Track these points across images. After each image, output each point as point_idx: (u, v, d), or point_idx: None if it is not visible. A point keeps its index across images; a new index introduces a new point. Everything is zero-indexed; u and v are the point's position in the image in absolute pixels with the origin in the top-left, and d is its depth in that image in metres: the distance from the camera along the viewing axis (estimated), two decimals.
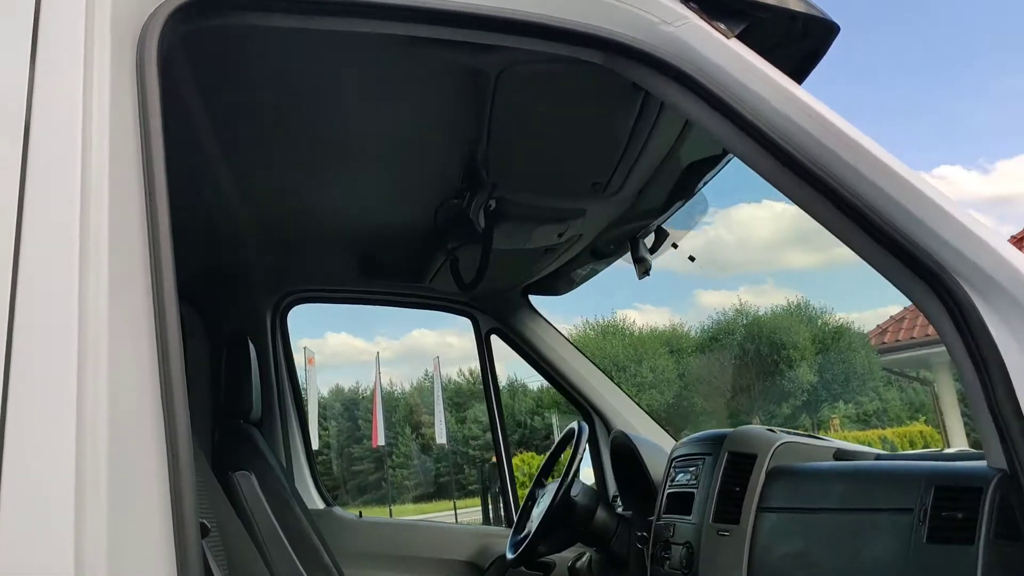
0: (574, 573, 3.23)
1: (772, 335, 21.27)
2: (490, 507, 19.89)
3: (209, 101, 2.13)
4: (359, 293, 3.76)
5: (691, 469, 2.60)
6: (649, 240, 2.85)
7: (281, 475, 2.88)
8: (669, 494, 2.70)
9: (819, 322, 23.00)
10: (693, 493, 2.52)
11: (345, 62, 2.03)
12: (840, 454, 2.28)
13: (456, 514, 28.90)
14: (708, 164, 2.48)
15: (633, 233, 2.88)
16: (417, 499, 42.75)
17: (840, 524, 1.89)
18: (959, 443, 18.65)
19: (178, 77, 1.96)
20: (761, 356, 21.18)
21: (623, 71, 1.61)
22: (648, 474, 3.01)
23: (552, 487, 3.19)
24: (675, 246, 2.87)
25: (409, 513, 33.92)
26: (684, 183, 2.56)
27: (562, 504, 2.97)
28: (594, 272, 3.53)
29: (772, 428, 2.42)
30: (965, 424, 20.56)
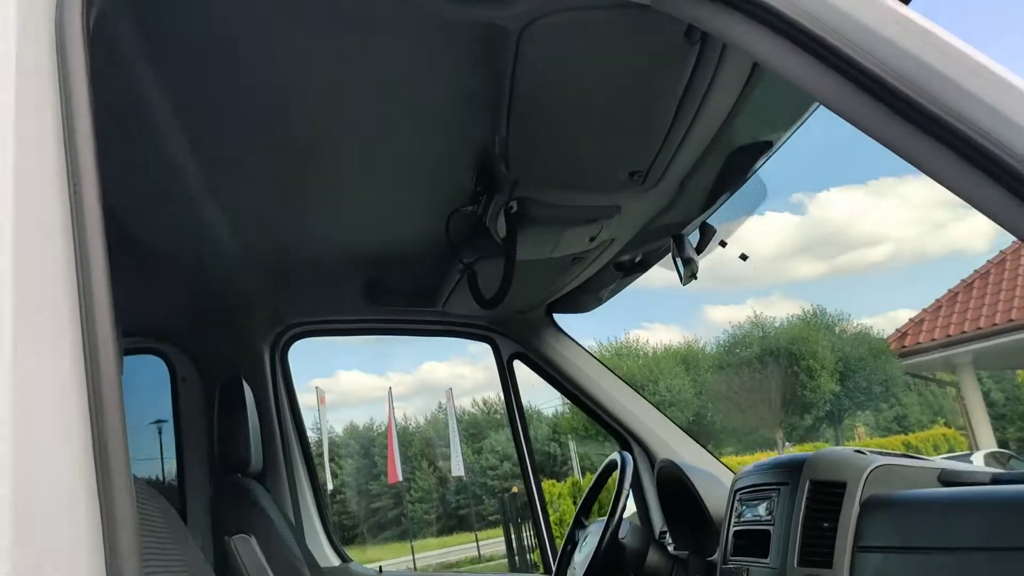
0: None
1: (790, 346, 20.80)
2: (513, 537, 19.48)
3: (170, 92, 1.80)
4: (366, 323, 3.39)
5: (763, 502, 2.22)
6: (694, 238, 2.49)
7: (288, 534, 2.52)
8: (736, 532, 2.33)
9: (836, 329, 22.53)
10: (768, 531, 2.15)
11: (332, 39, 1.69)
12: (946, 476, 1.91)
13: (478, 545, 28.45)
14: (761, 147, 2.14)
15: (672, 233, 2.52)
16: (438, 533, 42.29)
17: (980, 566, 1.52)
18: (988, 444, 18.20)
19: (126, 61, 1.63)
20: (780, 368, 20.72)
21: (680, 11, 1.26)
22: (704, 508, 2.64)
23: (595, 528, 2.82)
24: (723, 244, 2.50)
25: (431, 548, 33.44)
26: (734, 169, 2.21)
27: (610, 548, 2.60)
28: (623, 285, 3.18)
29: (860, 449, 2.05)
30: (993, 424, 20.10)
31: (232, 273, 2.90)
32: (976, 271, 18.33)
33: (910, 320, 18.65)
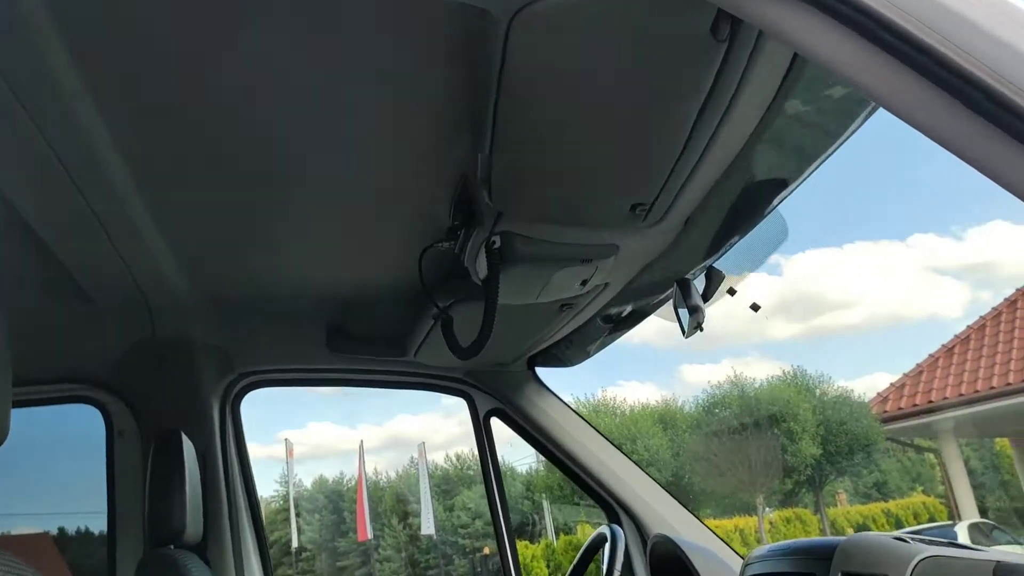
0: None
1: (771, 407, 20.49)
2: None
3: (103, 105, 1.53)
4: (329, 372, 3.05)
5: None
6: (699, 284, 2.19)
7: None
8: None
9: (817, 392, 22.25)
10: None
11: (292, 40, 1.42)
12: (1004, 571, 1.61)
13: None
14: (783, 180, 1.86)
15: (675, 279, 2.23)
16: None
17: None
18: (970, 514, 17.92)
19: (42, 58, 1.37)
20: (761, 430, 20.39)
21: None
22: None
23: None
24: (732, 292, 2.21)
25: None
26: (749, 206, 1.93)
27: None
28: (614, 337, 2.89)
29: (902, 536, 1.74)
30: (975, 492, 19.85)
31: (179, 314, 2.60)
32: (956, 336, 18.26)
33: (891, 385, 18.49)
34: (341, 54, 1.48)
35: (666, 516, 2.81)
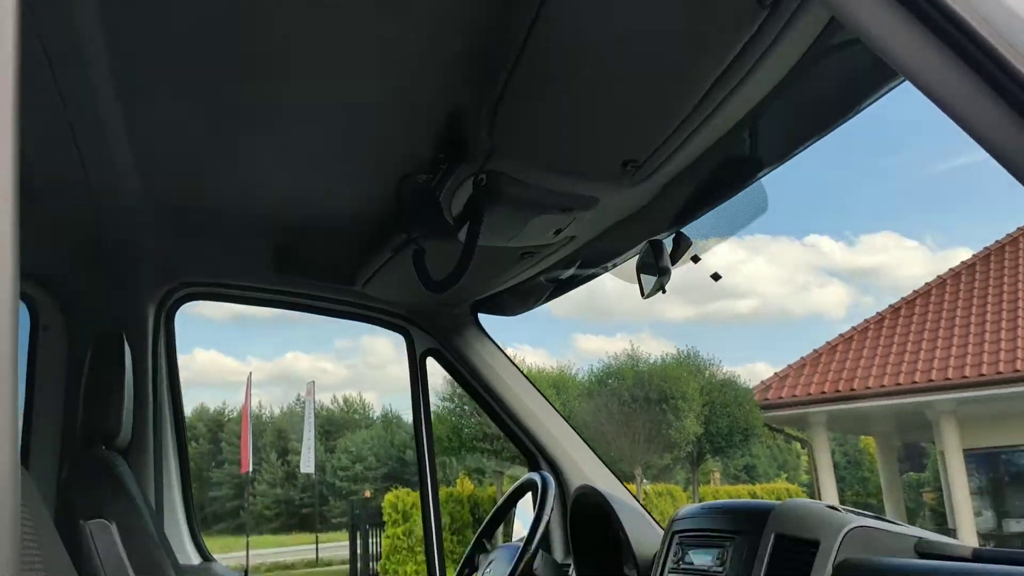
0: None
1: (662, 384, 21.05)
2: (359, 544, 18.99)
3: None
4: (271, 293, 2.99)
5: (712, 550, 1.99)
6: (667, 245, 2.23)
7: (150, 523, 2.13)
8: None
9: (707, 374, 22.94)
10: None
11: None
12: (923, 547, 1.73)
13: (318, 548, 27.71)
14: (772, 155, 1.91)
15: (641, 239, 2.27)
16: (276, 530, 41.00)
17: None
18: (832, 501, 18.87)
19: None
20: (649, 404, 20.93)
21: None
22: (629, 545, 2.40)
23: (501, 554, 2.54)
24: (696, 259, 2.26)
25: (268, 545, 32.40)
26: (733, 175, 1.98)
27: None
28: (560, 292, 2.92)
29: (835, 506, 1.85)
30: (838, 484, 20.96)
31: (127, 217, 2.48)
32: (841, 335, 19.07)
33: (776, 374, 19.19)
34: None
35: (587, 471, 2.88)
